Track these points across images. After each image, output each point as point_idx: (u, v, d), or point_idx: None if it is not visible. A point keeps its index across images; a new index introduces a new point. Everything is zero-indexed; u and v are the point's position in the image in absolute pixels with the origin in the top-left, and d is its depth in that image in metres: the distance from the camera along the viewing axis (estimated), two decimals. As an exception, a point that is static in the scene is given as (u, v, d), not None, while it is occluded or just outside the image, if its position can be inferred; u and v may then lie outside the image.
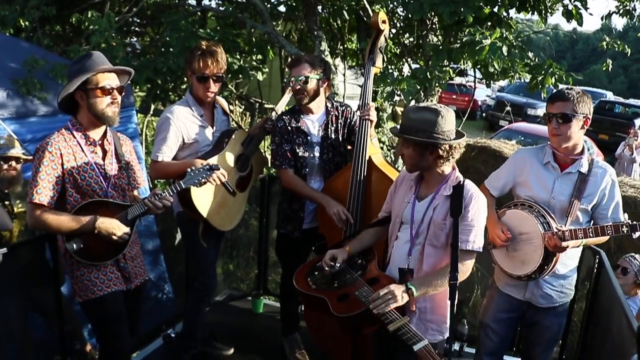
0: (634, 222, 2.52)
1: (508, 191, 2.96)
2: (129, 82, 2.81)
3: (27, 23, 5.73)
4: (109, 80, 2.57)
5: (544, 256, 2.68)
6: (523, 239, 2.76)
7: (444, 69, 4.76)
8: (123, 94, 2.66)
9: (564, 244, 2.61)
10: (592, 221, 2.79)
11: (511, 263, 2.83)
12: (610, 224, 2.57)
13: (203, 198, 3.11)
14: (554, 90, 3.51)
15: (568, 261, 2.84)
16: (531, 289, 2.85)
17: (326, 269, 2.54)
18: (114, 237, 2.58)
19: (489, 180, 2.99)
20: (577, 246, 2.75)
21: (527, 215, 2.74)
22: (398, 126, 2.40)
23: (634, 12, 5.98)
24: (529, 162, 2.86)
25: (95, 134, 2.66)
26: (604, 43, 5.99)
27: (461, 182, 2.35)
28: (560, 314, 2.92)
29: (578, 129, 2.69)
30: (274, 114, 3.38)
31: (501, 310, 2.98)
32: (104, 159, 2.69)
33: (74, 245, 2.56)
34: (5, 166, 3.43)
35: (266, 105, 8.46)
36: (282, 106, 3.46)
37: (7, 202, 3.42)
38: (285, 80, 5.97)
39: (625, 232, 2.52)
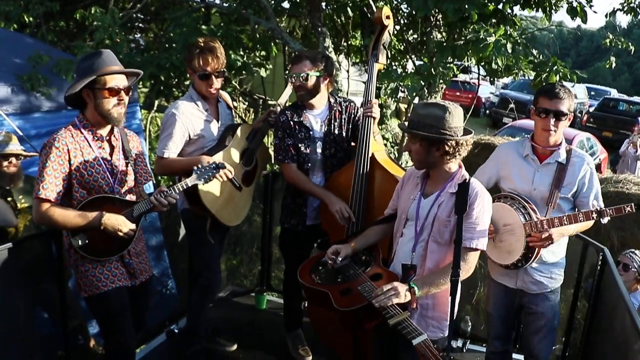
0: (602, 208, 2.64)
1: (493, 184, 3.04)
2: (135, 81, 2.81)
3: (31, 19, 5.75)
4: (117, 81, 2.56)
5: (526, 245, 2.78)
6: (507, 230, 2.84)
7: (447, 65, 4.75)
8: (130, 93, 2.66)
9: (544, 235, 2.70)
10: (576, 209, 2.88)
11: (499, 253, 2.92)
12: (582, 212, 2.70)
13: (210, 194, 3.11)
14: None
15: (555, 248, 2.91)
16: (522, 277, 2.94)
17: (329, 262, 2.55)
18: (120, 234, 2.59)
19: (475, 175, 3.05)
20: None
21: (509, 207, 2.83)
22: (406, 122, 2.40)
23: (638, 9, 5.97)
24: (511, 156, 2.97)
25: (103, 130, 2.67)
26: (608, 40, 5.97)
27: (467, 180, 2.36)
28: (553, 301, 2.98)
29: (566, 125, 2.84)
30: (277, 108, 3.39)
31: (498, 298, 3.08)
32: (111, 154, 2.69)
33: (79, 241, 2.57)
34: (5, 163, 3.42)
35: (270, 102, 8.45)
36: (284, 99, 3.46)
37: (9, 199, 3.42)
38: (286, 75, 5.97)
39: (594, 217, 2.65)
